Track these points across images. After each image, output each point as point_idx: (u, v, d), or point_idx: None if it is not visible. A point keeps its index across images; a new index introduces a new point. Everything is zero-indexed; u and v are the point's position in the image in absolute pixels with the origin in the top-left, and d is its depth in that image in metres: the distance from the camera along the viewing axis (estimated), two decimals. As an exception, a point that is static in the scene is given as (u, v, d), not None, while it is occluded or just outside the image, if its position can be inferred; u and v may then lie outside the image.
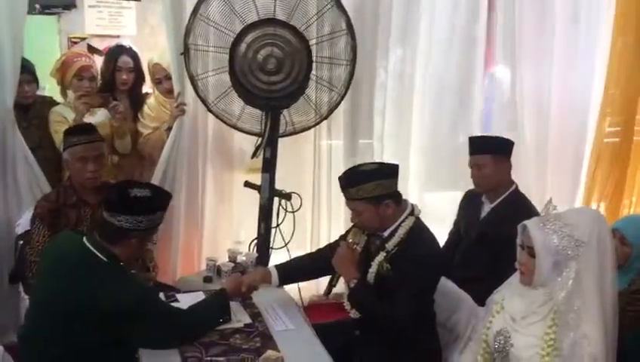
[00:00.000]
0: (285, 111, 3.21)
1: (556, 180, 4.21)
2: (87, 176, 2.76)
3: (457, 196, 3.32)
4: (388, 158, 3.76)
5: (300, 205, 3.41)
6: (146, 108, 3.48)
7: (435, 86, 3.99)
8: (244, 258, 3.24)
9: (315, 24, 3.15)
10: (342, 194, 2.52)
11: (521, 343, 2.02)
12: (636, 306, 2.37)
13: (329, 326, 2.71)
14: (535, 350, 1.98)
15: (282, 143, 3.29)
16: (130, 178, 3.35)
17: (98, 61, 3.49)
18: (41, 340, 2.18)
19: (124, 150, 3.39)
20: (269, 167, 3.23)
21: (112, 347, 2.16)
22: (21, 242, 2.89)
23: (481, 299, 2.40)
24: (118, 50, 3.44)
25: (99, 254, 2.18)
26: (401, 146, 3.96)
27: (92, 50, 3.64)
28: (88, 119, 3.21)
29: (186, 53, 3.10)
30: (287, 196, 3.32)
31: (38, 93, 3.36)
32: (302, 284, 3.38)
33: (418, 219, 2.47)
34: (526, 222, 2.05)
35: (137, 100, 3.50)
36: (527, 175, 3.92)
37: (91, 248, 2.19)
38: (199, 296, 2.59)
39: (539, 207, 2.53)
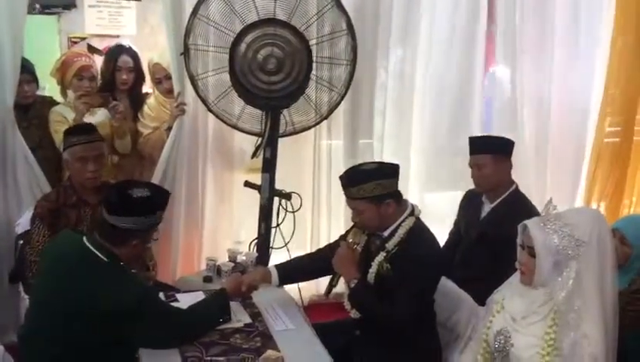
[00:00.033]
0: (285, 111, 3.21)
1: (556, 180, 4.21)
2: (87, 176, 2.76)
3: (457, 196, 3.32)
4: (388, 158, 3.75)
5: (300, 205, 3.41)
6: (146, 108, 3.48)
7: (435, 86, 3.98)
8: (244, 258, 3.24)
9: (315, 24, 3.15)
10: (342, 194, 2.52)
11: (521, 343, 2.02)
12: (636, 306, 2.37)
13: (329, 326, 2.71)
14: (535, 350, 1.98)
15: (282, 143, 3.29)
16: (130, 178, 3.34)
17: (98, 61, 3.49)
18: (41, 340, 2.18)
19: (124, 150, 3.39)
20: (269, 166, 3.23)
21: (112, 346, 2.16)
22: (21, 242, 2.89)
23: (481, 299, 2.40)
24: (118, 50, 3.44)
25: (99, 254, 2.18)
26: (402, 146, 3.95)
27: (92, 49, 3.65)
28: (88, 119, 3.21)
29: (186, 53, 3.10)
30: (287, 196, 3.32)
31: (38, 92, 3.36)
32: (302, 284, 3.38)
33: (418, 219, 2.47)
34: (526, 221, 2.05)
35: (137, 100, 3.50)
36: (527, 175, 3.91)
37: (91, 248, 2.19)
38: (199, 296, 2.59)
39: (539, 207, 2.53)
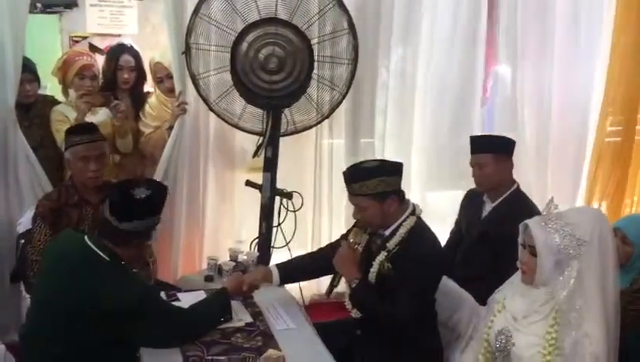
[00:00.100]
0: (287, 111, 3.21)
1: (557, 180, 4.21)
2: (89, 175, 2.76)
3: (459, 195, 3.32)
4: (389, 157, 3.74)
5: (302, 204, 3.41)
6: (147, 107, 3.48)
7: (436, 85, 3.98)
8: (245, 257, 3.24)
9: (316, 23, 3.15)
10: (343, 193, 2.52)
11: (522, 342, 2.02)
12: (638, 305, 2.36)
13: (330, 325, 2.70)
14: (536, 349, 1.98)
15: (284, 142, 3.30)
16: (131, 177, 3.34)
17: (99, 60, 3.49)
18: (42, 339, 2.18)
19: (125, 149, 3.39)
20: (270, 166, 3.23)
21: (114, 346, 2.15)
22: (22, 241, 2.89)
23: (482, 298, 2.40)
24: (120, 49, 3.44)
25: (100, 253, 2.18)
26: (403, 145, 3.96)
27: (93, 48, 3.65)
28: (90, 118, 3.21)
29: (187, 52, 3.10)
30: (289, 195, 3.32)
31: (40, 92, 3.36)
32: (303, 283, 3.39)
33: (419, 218, 2.47)
34: (528, 221, 2.05)
35: (139, 99, 3.50)
36: (527, 174, 3.92)
37: (93, 247, 2.19)
38: (200, 295, 2.59)
39: (540, 207, 2.53)
